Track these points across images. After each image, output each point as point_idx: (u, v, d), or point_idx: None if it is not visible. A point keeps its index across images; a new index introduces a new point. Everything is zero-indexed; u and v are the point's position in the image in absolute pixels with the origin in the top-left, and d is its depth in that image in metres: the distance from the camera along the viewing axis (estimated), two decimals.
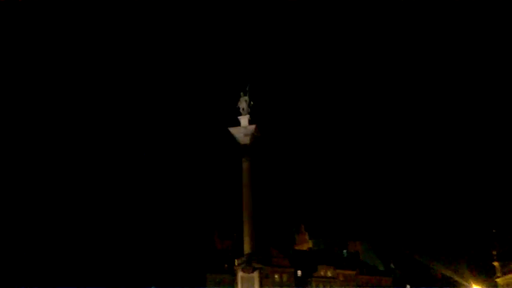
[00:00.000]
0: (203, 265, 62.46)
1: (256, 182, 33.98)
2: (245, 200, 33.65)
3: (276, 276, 70.07)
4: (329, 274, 77.22)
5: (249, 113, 30.89)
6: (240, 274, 31.28)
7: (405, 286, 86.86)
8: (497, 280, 61.77)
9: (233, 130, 30.84)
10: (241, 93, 31.29)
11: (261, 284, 31.23)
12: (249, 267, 31.26)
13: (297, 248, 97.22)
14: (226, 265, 61.97)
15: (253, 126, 30.36)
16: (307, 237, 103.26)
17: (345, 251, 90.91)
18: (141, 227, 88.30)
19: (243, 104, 31.18)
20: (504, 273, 59.76)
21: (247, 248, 32.05)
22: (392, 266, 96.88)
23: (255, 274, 31.18)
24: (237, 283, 33.36)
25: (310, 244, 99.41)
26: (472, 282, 67.78)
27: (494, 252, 62.66)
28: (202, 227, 72.68)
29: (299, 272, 75.04)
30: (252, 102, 31.23)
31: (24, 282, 62.47)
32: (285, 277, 71.90)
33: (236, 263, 31.86)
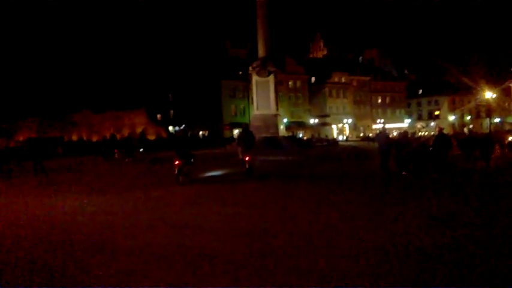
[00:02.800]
0: (217, 72, 62.68)
1: None
2: (259, 4, 30.94)
3: (290, 82, 70.95)
4: (343, 80, 77.81)
5: None
6: (255, 78, 30.95)
7: (418, 91, 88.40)
8: None
9: None
10: None
11: (275, 89, 31.19)
12: (264, 71, 30.70)
13: (312, 56, 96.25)
14: (240, 72, 62.03)
15: None
16: (322, 44, 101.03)
17: (360, 57, 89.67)
18: (156, 36, 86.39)
19: None
20: None
21: (261, 52, 30.92)
22: (406, 72, 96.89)
23: (270, 78, 30.82)
24: (251, 88, 33.36)
25: (325, 52, 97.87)
26: (485, 88, 68.04)
27: None
28: (215, 35, 70.68)
29: (313, 79, 75.51)
30: None
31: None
32: (298, 83, 72.82)
33: (251, 68, 31.15)
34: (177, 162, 12.16)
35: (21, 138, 60.37)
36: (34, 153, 18.51)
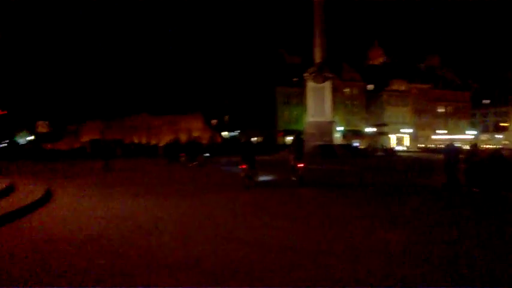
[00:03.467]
0: (272, 79, 62.58)
1: None
2: (317, 9, 30.36)
3: (346, 89, 69.31)
4: (402, 88, 74.85)
5: None
6: (310, 84, 30.25)
7: (484, 102, 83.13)
8: None
9: None
10: None
11: (332, 95, 30.26)
12: (320, 77, 29.92)
13: (369, 63, 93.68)
14: (295, 79, 61.48)
15: None
16: (380, 51, 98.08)
17: (421, 64, 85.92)
18: (215, 43, 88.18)
19: None
20: None
21: (318, 58, 30.21)
22: (470, 81, 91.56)
23: (326, 84, 29.96)
24: (305, 95, 32.53)
25: (383, 58, 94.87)
26: None
27: None
28: (271, 41, 70.74)
29: (370, 86, 73.37)
30: None
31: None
32: (355, 91, 71.01)
33: (306, 74, 30.47)
34: (244, 167, 12.81)
35: (85, 139, 63.62)
36: (102, 154, 20.51)
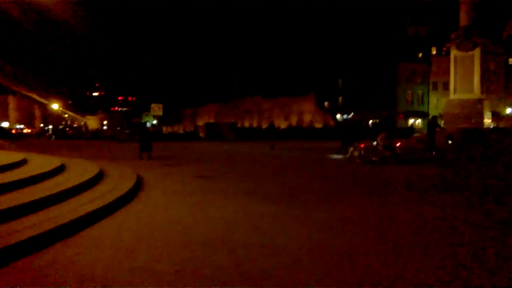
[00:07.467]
0: (393, 54, 56.44)
1: None
2: None
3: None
4: None
5: None
6: (453, 53, 24.95)
7: None
8: None
9: None
10: None
11: (482, 66, 24.73)
12: (467, 43, 24.51)
13: (510, 33, 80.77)
14: (420, 54, 54.70)
15: None
16: None
17: None
18: (326, 18, 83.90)
19: None
20: None
21: (464, 19, 24.74)
22: None
23: (476, 52, 24.39)
24: (432, 72, 27.44)
25: None
26: None
27: None
28: (394, 12, 64.01)
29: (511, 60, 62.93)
30: None
31: None
32: (492, 65, 61.22)
33: (450, 39, 25.19)
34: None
35: (201, 123, 65.10)
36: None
